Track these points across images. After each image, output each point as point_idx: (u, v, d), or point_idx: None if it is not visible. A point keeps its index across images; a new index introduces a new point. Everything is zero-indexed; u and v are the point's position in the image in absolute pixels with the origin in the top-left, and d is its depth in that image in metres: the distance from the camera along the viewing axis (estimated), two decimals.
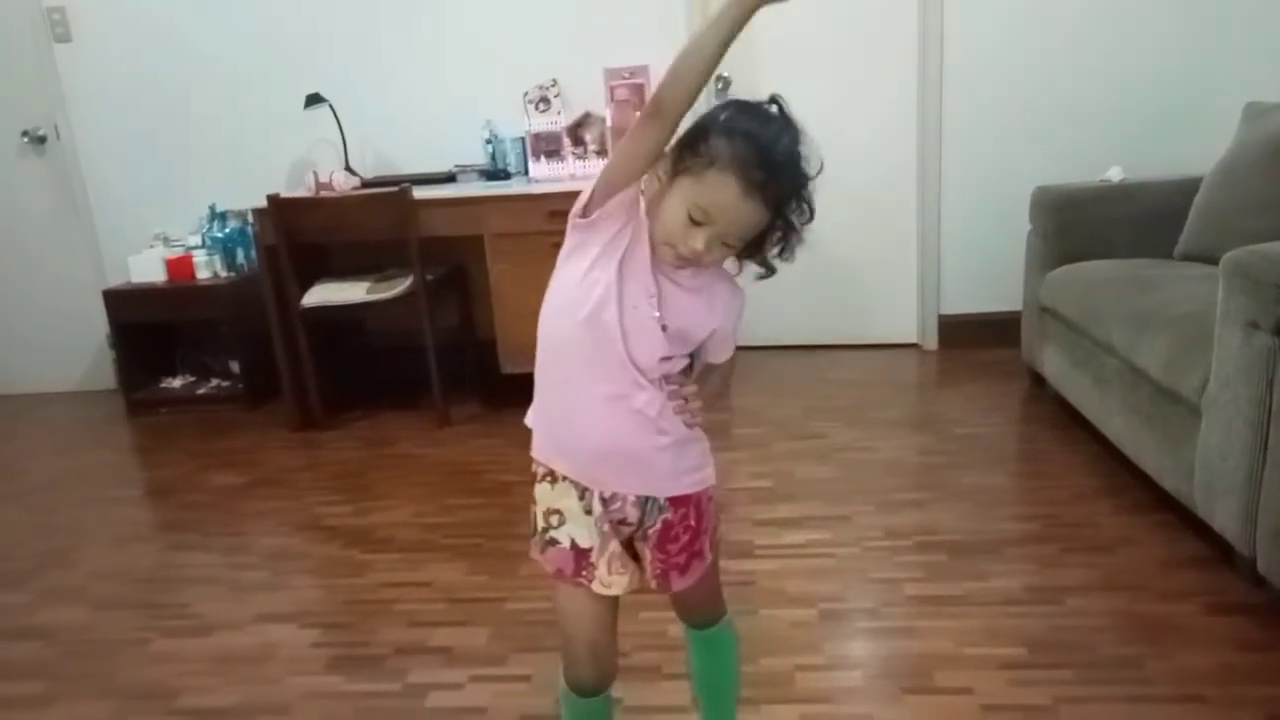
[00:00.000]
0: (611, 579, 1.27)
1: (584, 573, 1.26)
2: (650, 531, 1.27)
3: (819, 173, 1.13)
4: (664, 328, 1.18)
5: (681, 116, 1.09)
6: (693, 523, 1.29)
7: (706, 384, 1.30)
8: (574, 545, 1.26)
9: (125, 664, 2.05)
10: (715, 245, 1.12)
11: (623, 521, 1.27)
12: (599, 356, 1.17)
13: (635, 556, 1.30)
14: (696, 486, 1.28)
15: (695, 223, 1.11)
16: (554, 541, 1.27)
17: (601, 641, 1.30)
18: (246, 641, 2.10)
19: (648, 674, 1.80)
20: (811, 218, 1.16)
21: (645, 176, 1.15)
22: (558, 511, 1.27)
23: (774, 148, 1.09)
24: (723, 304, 1.24)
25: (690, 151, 1.11)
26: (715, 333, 1.25)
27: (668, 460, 1.24)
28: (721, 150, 1.08)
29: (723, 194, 1.09)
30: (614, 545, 1.26)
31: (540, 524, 1.29)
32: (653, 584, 1.31)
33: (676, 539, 1.28)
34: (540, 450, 1.28)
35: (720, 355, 1.30)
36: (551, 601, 1.31)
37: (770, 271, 1.21)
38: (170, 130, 3.92)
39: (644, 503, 1.26)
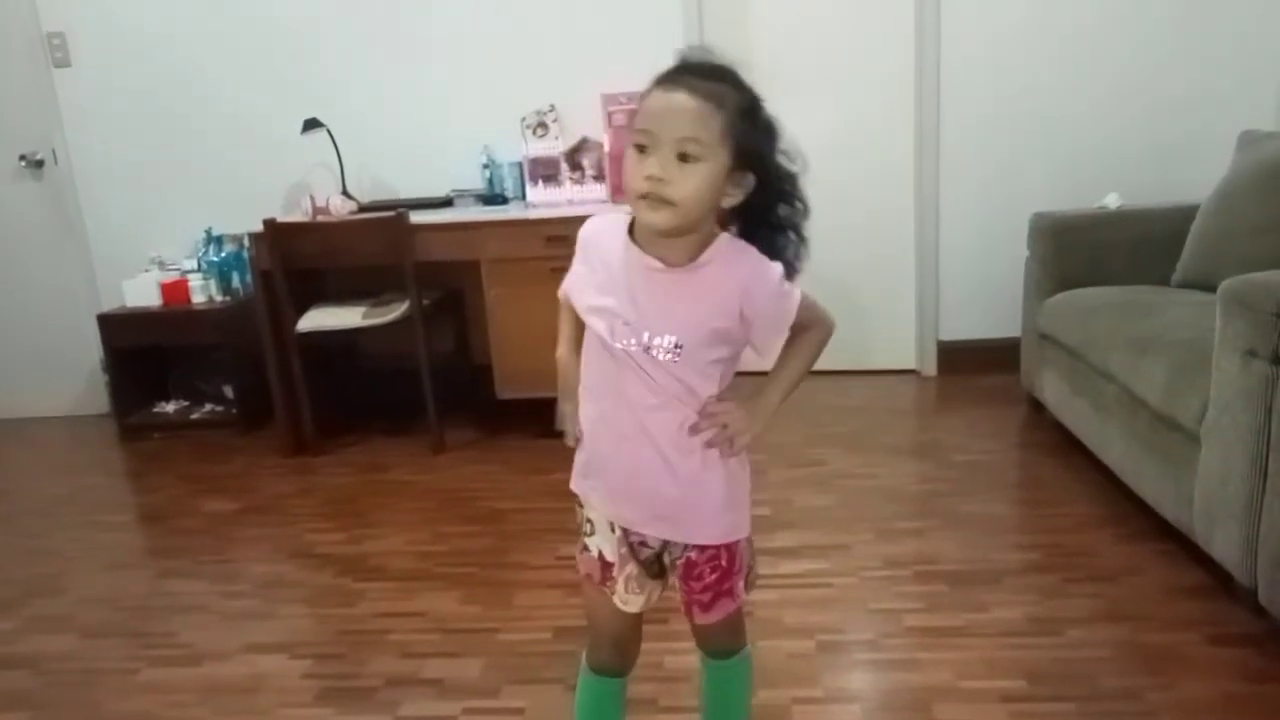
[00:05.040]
0: (628, 598, 1.29)
1: (608, 584, 1.30)
2: (676, 561, 1.29)
3: (757, 97, 1.13)
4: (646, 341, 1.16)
5: None
6: (723, 563, 1.28)
7: (778, 377, 1.26)
8: (601, 556, 1.30)
9: (112, 694, 2.01)
10: (668, 163, 1.08)
11: (643, 543, 1.28)
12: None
13: (659, 573, 1.31)
14: (716, 539, 1.27)
15: (642, 153, 1.10)
16: (586, 548, 1.32)
17: (626, 634, 1.35)
18: (236, 672, 2.06)
19: (644, 706, 1.76)
20: (774, 136, 1.14)
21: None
22: (590, 520, 1.31)
23: (690, 57, 1.13)
24: (730, 289, 1.15)
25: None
26: (738, 327, 1.17)
27: (682, 499, 1.23)
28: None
29: (653, 104, 1.10)
30: (631, 567, 1.28)
31: (581, 525, 1.33)
32: (681, 608, 1.33)
33: (701, 577, 1.28)
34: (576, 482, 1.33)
35: (766, 349, 1.21)
36: (579, 595, 1.36)
37: (781, 228, 1.17)
38: (167, 154, 3.91)
39: None
